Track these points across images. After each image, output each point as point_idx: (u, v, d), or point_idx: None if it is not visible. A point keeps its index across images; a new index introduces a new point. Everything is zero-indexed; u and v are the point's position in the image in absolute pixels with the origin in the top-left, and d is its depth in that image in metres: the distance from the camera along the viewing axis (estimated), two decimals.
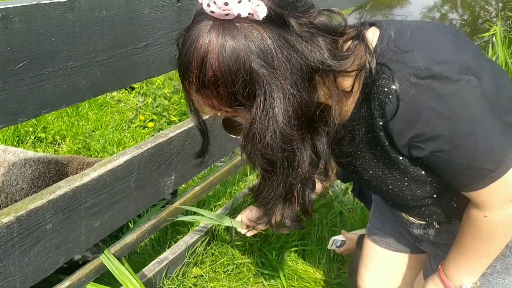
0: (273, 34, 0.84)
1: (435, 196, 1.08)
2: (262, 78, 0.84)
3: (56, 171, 1.80)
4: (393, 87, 0.88)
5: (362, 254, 1.62)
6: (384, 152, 1.01)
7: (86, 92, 1.17)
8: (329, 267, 2.41)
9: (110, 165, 1.39)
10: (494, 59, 4.04)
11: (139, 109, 3.37)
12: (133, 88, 3.71)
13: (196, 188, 2.00)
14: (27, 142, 2.78)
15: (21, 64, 1.00)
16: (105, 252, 1.53)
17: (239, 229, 1.87)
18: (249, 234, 1.82)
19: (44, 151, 2.77)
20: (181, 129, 1.68)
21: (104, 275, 1.71)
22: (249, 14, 0.82)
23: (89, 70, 1.15)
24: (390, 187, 1.09)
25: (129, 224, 2.13)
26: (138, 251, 2.11)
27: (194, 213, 2.14)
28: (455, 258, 1.10)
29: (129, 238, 1.66)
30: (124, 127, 3.21)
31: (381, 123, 0.94)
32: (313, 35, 0.88)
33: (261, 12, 0.82)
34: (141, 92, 3.62)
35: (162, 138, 1.59)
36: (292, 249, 2.44)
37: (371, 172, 1.09)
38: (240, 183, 2.69)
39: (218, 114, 0.94)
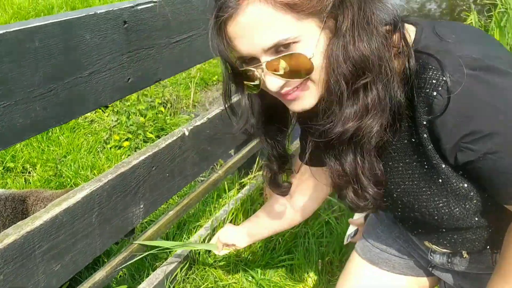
0: None
1: (473, 216, 0.94)
2: None
3: (12, 208, 1.69)
4: (443, 78, 0.77)
5: (353, 277, 1.40)
6: (425, 158, 0.88)
7: (26, 130, 1.07)
8: (318, 280, 2.32)
9: (65, 203, 1.28)
10: None
11: (114, 128, 3.25)
12: (106, 106, 3.58)
13: (170, 213, 1.90)
14: None
15: None
16: None
17: (216, 252, 1.78)
18: (222, 252, 1.72)
19: (13, 182, 2.65)
20: (146, 155, 1.58)
21: None
22: None
23: (26, 107, 1.05)
24: (424, 203, 0.95)
25: (102, 256, 2.02)
26: (115, 284, 2.00)
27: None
28: None
29: (98, 275, 1.55)
30: (99, 149, 3.09)
31: (424, 122, 0.82)
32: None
33: None
34: (115, 110, 3.50)
35: (124, 167, 1.48)
36: (279, 265, 2.35)
37: (403, 186, 0.96)
38: (220, 199, 2.59)
39: (285, 36, 0.81)
